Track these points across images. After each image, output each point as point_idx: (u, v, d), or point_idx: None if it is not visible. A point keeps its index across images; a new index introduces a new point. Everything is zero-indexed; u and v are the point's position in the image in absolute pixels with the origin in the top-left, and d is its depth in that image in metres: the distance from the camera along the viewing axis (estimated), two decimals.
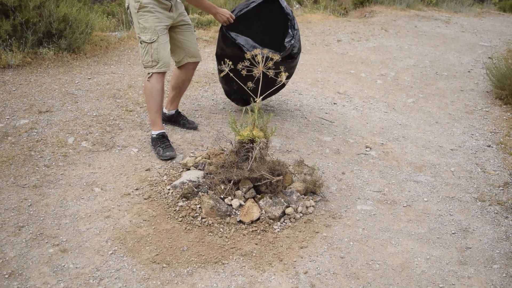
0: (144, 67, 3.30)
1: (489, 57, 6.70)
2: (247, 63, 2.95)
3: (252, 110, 2.90)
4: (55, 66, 4.90)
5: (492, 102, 5.01)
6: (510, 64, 5.02)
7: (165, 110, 3.78)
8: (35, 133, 3.46)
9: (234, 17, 3.64)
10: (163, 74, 3.34)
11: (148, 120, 3.84)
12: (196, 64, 3.69)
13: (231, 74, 2.90)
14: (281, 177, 2.80)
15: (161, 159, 3.28)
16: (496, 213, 2.93)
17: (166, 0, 3.25)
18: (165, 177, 3.06)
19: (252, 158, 2.80)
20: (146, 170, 3.14)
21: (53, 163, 3.12)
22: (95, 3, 9.22)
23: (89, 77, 4.72)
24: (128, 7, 3.32)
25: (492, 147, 3.88)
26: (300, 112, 4.38)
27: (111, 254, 2.37)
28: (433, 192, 3.17)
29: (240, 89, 3.67)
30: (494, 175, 3.41)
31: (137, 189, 2.93)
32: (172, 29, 3.44)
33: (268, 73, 2.90)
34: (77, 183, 2.94)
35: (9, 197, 2.73)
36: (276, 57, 2.93)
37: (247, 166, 2.82)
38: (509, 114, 4.61)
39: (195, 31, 3.86)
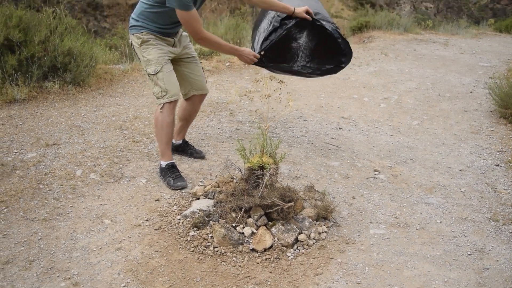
0: (157, 99, 3.30)
1: (490, 77, 6.73)
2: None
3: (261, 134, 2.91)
4: (60, 100, 4.93)
5: (497, 121, 5.01)
6: None
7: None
8: (43, 166, 3.45)
9: (258, 56, 3.47)
10: (174, 104, 3.31)
11: (155, 151, 3.84)
12: (203, 96, 3.69)
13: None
14: (292, 203, 2.78)
15: (172, 189, 3.26)
16: (511, 232, 2.90)
17: (168, 37, 3.30)
18: (175, 207, 3.04)
19: (262, 185, 2.79)
20: (155, 201, 3.13)
21: (62, 196, 3.11)
22: (97, 38, 9.38)
23: (95, 110, 4.75)
24: (131, 44, 3.36)
25: (501, 166, 3.87)
26: (306, 138, 4.38)
27: (123, 286, 2.33)
28: (445, 213, 3.14)
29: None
30: (505, 194, 3.38)
31: (147, 220, 2.90)
32: (176, 62, 3.47)
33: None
34: (87, 215, 2.92)
35: (19, 231, 2.71)
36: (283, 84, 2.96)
37: (257, 193, 2.81)
38: None
39: (201, 62, 3.87)
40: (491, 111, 5.35)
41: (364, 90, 6.24)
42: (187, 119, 3.76)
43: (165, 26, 3.26)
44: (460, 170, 3.80)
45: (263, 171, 2.81)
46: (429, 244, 2.78)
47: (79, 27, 6.14)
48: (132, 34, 3.29)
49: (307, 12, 3.55)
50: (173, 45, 3.36)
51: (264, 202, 2.77)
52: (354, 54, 8.45)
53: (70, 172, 3.40)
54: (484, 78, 6.97)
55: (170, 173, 3.35)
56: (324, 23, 3.56)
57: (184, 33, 3.56)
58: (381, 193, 3.40)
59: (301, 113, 5.10)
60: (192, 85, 3.58)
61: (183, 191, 3.25)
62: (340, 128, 4.72)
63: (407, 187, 3.51)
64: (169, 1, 3.05)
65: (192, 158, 3.77)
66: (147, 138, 4.12)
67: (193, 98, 3.64)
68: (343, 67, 3.69)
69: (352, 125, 4.84)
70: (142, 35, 3.24)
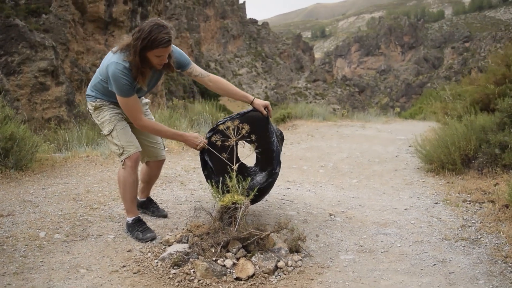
0: (118, 156, 3.36)
1: (410, 146, 7.47)
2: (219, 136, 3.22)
3: (230, 177, 3.10)
4: (4, 182, 4.80)
5: (425, 175, 5.54)
6: (434, 141, 5.70)
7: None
8: (2, 232, 3.33)
9: (206, 141, 3.39)
10: (135, 160, 3.31)
11: (116, 214, 3.83)
12: (160, 162, 3.71)
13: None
14: (269, 232, 2.91)
15: (142, 242, 3.25)
16: (464, 246, 3.20)
17: None
18: (149, 254, 3.04)
19: (238, 218, 2.92)
20: (127, 251, 3.10)
21: (30, 253, 3.00)
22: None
23: (43, 188, 4.67)
24: (88, 110, 3.49)
25: (439, 203, 4.27)
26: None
27: None
28: (403, 239, 3.40)
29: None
30: (450, 222, 3.73)
31: (124, 266, 2.87)
32: (133, 127, 3.47)
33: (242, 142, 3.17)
34: (60, 267, 2.84)
35: None
36: (246, 127, 3.23)
37: (233, 229, 2.92)
38: (443, 181, 5.11)
39: None
40: (418, 168, 5.91)
41: (301, 161, 6.64)
42: (148, 182, 3.84)
43: (116, 100, 3.35)
44: (406, 209, 4.15)
45: (237, 205, 2.95)
46: (396, 262, 2.99)
47: (18, 116, 6.13)
48: (88, 102, 3.43)
49: (266, 108, 3.53)
50: None
51: (241, 234, 2.89)
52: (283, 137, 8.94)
53: (33, 234, 3.30)
54: (405, 147, 7.71)
55: (137, 227, 3.35)
56: (272, 134, 3.55)
57: (144, 101, 3.62)
58: (341, 230, 3.62)
59: None
60: (146, 152, 3.61)
61: (154, 241, 3.26)
62: (288, 188, 4.98)
63: (363, 224, 3.76)
64: (110, 84, 3.20)
65: (155, 217, 3.80)
66: (104, 205, 4.10)
67: (151, 164, 3.72)
68: (258, 201, 3.64)
69: (298, 186, 5.12)
70: (95, 102, 3.37)
